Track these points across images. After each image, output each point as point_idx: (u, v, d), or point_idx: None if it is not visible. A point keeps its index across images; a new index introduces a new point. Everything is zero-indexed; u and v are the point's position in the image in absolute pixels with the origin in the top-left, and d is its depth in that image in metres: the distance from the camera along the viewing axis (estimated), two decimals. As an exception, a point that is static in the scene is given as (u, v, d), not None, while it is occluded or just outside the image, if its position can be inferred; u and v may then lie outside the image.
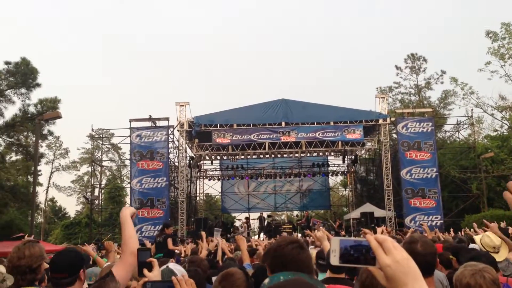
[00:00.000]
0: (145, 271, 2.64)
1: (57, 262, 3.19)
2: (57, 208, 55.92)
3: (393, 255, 1.28)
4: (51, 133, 33.34)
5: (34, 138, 30.75)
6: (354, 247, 1.34)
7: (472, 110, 30.09)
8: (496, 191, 27.50)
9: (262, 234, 27.75)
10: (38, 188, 42.68)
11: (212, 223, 28.46)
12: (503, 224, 11.23)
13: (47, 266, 3.45)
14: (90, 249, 6.23)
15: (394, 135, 30.27)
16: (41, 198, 51.37)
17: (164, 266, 3.44)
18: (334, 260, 1.34)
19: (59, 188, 57.95)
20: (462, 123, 31.36)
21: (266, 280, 2.42)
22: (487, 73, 27.61)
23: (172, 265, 3.59)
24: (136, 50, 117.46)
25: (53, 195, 57.97)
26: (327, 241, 4.98)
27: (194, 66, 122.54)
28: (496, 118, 30.83)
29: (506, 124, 31.11)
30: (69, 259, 3.23)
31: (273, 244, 2.70)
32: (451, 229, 14.77)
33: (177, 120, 27.85)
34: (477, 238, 5.73)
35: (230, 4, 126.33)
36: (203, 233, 9.52)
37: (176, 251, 11.50)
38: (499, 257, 5.16)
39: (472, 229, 11.07)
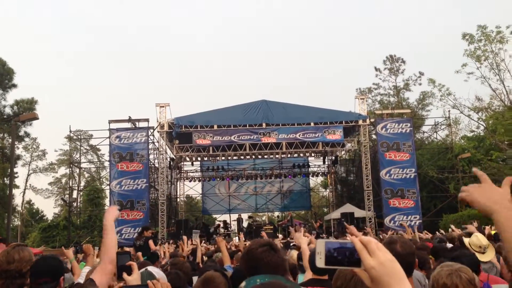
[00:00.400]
0: (125, 274, 2.61)
1: (40, 267, 3.17)
2: (34, 210, 54.94)
3: (377, 257, 1.29)
4: (27, 134, 32.97)
5: (10, 140, 30.22)
6: (339, 249, 1.34)
7: (449, 111, 30.55)
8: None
9: (241, 236, 27.75)
10: (15, 191, 41.96)
11: (193, 224, 28.35)
12: (475, 223, 11.42)
13: None
14: (71, 252, 6.13)
15: (374, 136, 30.56)
16: (17, 200, 50.38)
17: (143, 269, 3.42)
18: (320, 262, 1.35)
19: (36, 190, 57.00)
20: (439, 124, 31.84)
21: (243, 284, 2.41)
22: (463, 74, 28.07)
23: (151, 268, 3.57)
24: (115, 50, 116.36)
25: (30, 197, 56.98)
26: (303, 239, 5.01)
27: (174, 67, 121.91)
28: (473, 119, 31.40)
29: (482, 125, 31.69)
30: (51, 264, 3.22)
31: (246, 248, 2.70)
32: (423, 231, 14.99)
33: (157, 121, 27.67)
34: (466, 240, 5.83)
35: (211, 5, 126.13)
36: (185, 237, 9.51)
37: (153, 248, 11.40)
38: (485, 257, 5.26)
39: (450, 229, 11.27)
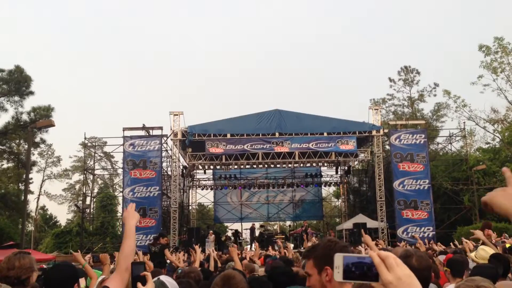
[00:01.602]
0: (139, 285, 2.62)
1: (51, 277, 3.19)
2: (48, 216, 55.33)
3: (395, 272, 1.29)
4: (43, 141, 33.30)
5: (26, 146, 30.59)
6: (357, 263, 1.35)
7: (464, 122, 30.34)
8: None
9: (253, 245, 27.68)
10: (29, 196, 42.37)
11: (204, 233, 28.35)
12: (494, 234, 11.25)
13: (39, 273, 3.43)
14: (80, 256, 6.12)
15: (387, 147, 30.41)
16: (32, 206, 50.88)
17: (156, 278, 3.43)
18: (338, 276, 1.36)
19: (50, 196, 57.54)
20: (454, 135, 31.59)
21: None
22: (479, 86, 27.88)
23: (164, 277, 3.57)
24: (130, 59, 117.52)
25: (44, 203, 57.46)
26: None
27: (188, 76, 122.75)
28: (488, 131, 31.10)
29: (498, 137, 31.36)
30: (63, 274, 3.23)
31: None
32: (437, 242, 14.81)
33: (171, 129, 27.84)
34: (472, 255, 5.74)
35: (227, 15, 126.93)
36: (197, 246, 9.53)
37: (168, 261, 11.45)
38: None
39: (464, 242, 11.12)
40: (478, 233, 6.90)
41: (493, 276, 3.80)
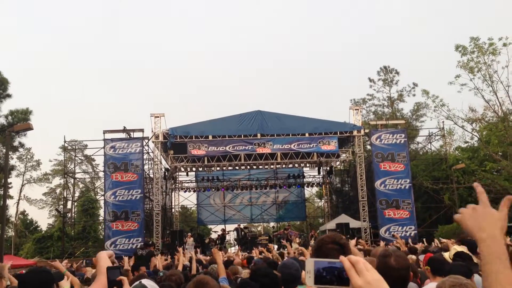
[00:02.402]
0: None
1: (27, 281, 3.15)
2: (28, 221, 54.47)
3: (365, 277, 1.32)
4: (22, 145, 32.75)
5: (4, 150, 30.06)
6: (328, 268, 1.37)
7: (443, 122, 30.63)
8: (468, 201, 27.98)
9: (236, 246, 27.63)
10: (9, 201, 41.66)
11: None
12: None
13: (9, 283, 3.38)
14: (60, 264, 6.11)
15: (368, 147, 30.69)
16: (11, 211, 49.93)
17: (137, 282, 3.42)
18: (310, 281, 1.38)
19: (30, 201, 56.61)
20: (434, 134, 32.00)
21: None
22: (457, 86, 28.11)
23: (145, 280, 3.57)
24: (110, 59, 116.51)
25: (24, 208, 56.77)
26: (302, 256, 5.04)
27: (169, 77, 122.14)
28: (467, 130, 31.44)
29: (476, 136, 31.80)
30: (39, 278, 3.19)
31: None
32: (424, 240, 14.99)
33: (152, 131, 27.67)
34: (446, 254, 5.85)
35: (210, 16, 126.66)
36: (180, 249, 9.53)
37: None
38: None
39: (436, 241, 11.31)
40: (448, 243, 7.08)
41: (468, 273, 3.88)
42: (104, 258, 2.72)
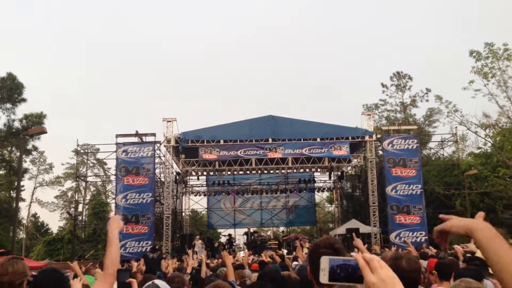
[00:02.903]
0: None
1: (40, 282, 3.17)
2: (39, 223, 54.95)
3: (379, 274, 1.33)
4: (35, 148, 33.17)
5: (18, 153, 30.41)
6: (342, 266, 1.39)
7: (456, 127, 30.43)
8: (479, 207, 27.74)
9: (246, 252, 27.56)
10: (21, 204, 42.06)
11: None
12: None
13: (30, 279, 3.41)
14: (76, 266, 6.15)
15: (380, 152, 30.49)
16: (23, 213, 50.39)
17: (150, 282, 3.44)
18: (324, 279, 1.39)
19: (42, 203, 57.04)
20: (446, 140, 31.75)
21: None
22: (471, 91, 27.96)
23: (158, 281, 3.58)
24: (123, 65, 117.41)
25: (35, 210, 57.00)
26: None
27: (182, 82, 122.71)
28: (480, 136, 31.21)
29: (489, 141, 31.51)
30: (51, 278, 3.21)
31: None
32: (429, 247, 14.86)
33: (164, 135, 27.79)
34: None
35: (217, 22, 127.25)
36: (190, 251, 9.53)
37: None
38: None
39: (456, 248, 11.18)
40: (472, 246, 7.03)
41: (478, 277, 3.84)
42: (116, 226, 3.03)
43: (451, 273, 4.35)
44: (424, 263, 6.83)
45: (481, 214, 1.78)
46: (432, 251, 12.23)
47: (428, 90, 46.11)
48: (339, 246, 2.60)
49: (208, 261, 12.40)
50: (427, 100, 45.98)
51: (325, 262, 1.40)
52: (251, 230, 29.84)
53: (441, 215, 1.84)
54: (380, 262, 1.35)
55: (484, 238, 1.62)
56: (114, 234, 2.99)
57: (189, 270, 8.85)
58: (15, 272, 3.25)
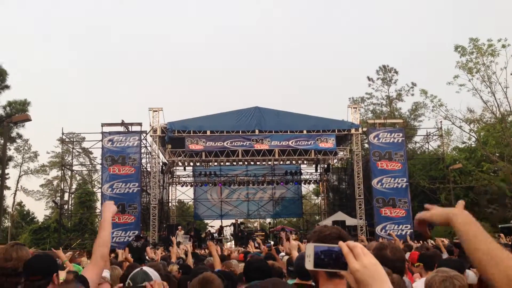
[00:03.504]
0: None
1: (32, 265, 3.19)
2: (25, 212, 54.43)
3: (361, 260, 1.37)
4: (20, 136, 32.73)
5: (2, 141, 30.03)
6: (326, 252, 1.42)
7: (441, 122, 30.73)
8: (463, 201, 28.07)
9: (233, 241, 27.71)
10: (6, 192, 41.63)
11: (184, 229, 28.27)
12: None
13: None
14: (62, 253, 6.14)
15: (366, 145, 30.70)
16: (8, 202, 50.02)
17: (139, 269, 3.46)
18: (309, 265, 1.42)
19: (27, 192, 56.60)
20: (431, 134, 32.08)
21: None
22: (455, 86, 28.21)
23: (146, 268, 3.60)
24: (110, 51, 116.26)
25: (21, 199, 56.50)
26: (296, 251, 5.08)
27: (168, 72, 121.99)
28: (464, 131, 31.53)
29: (473, 136, 31.89)
30: (43, 262, 3.23)
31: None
32: (420, 240, 15.05)
33: (150, 125, 27.66)
34: None
35: (205, 12, 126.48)
36: (173, 239, 9.58)
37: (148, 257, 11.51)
38: None
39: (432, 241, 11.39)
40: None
41: (460, 268, 3.92)
42: (109, 209, 3.17)
43: (434, 263, 4.43)
44: (407, 255, 6.96)
45: (461, 203, 1.81)
46: (415, 244, 12.38)
47: (414, 84, 46.52)
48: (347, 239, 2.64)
49: (196, 251, 12.45)
50: (412, 94, 46.42)
51: (310, 249, 1.42)
52: (238, 221, 29.85)
53: (426, 205, 1.88)
54: (364, 250, 1.39)
55: (462, 222, 1.67)
56: (108, 218, 3.09)
57: (173, 259, 8.90)
58: (19, 258, 3.26)
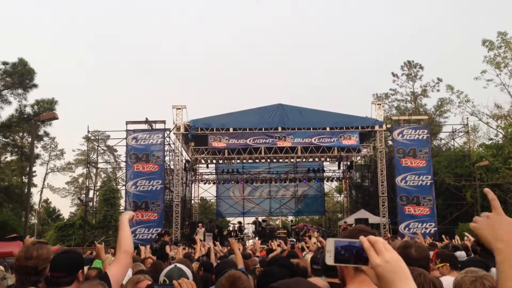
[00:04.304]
0: None
1: (58, 262, 3.24)
2: (51, 209, 55.55)
3: (383, 256, 1.34)
4: (47, 134, 33.32)
5: (29, 139, 30.66)
6: (347, 247, 1.40)
7: (467, 118, 30.20)
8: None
9: (256, 239, 27.66)
10: (33, 189, 42.48)
11: (206, 227, 28.40)
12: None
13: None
14: (102, 250, 5.97)
15: (390, 142, 30.37)
16: (35, 199, 51.11)
17: (173, 266, 3.51)
18: (329, 260, 1.40)
19: (53, 189, 57.72)
20: (457, 131, 31.50)
21: None
22: (483, 81, 27.76)
23: (180, 264, 3.64)
24: (134, 51, 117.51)
25: (47, 196, 57.75)
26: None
27: (192, 70, 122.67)
28: (491, 127, 30.97)
29: (501, 133, 31.25)
30: (69, 259, 3.28)
31: None
32: (444, 236, 14.81)
33: (174, 123, 27.87)
34: None
35: (228, 13, 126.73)
36: (197, 238, 9.63)
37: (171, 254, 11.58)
38: None
39: (465, 238, 11.14)
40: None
41: (486, 267, 3.84)
42: (125, 214, 3.37)
43: (458, 263, 4.35)
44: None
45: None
46: (442, 243, 12.21)
47: (440, 79, 45.78)
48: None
49: (217, 248, 12.48)
50: (438, 90, 45.69)
51: (330, 244, 1.41)
52: (260, 219, 29.83)
53: (485, 189, 1.67)
54: (386, 245, 1.36)
55: (504, 258, 1.49)
56: (122, 218, 3.30)
57: (196, 256, 8.95)
58: (39, 257, 3.30)
